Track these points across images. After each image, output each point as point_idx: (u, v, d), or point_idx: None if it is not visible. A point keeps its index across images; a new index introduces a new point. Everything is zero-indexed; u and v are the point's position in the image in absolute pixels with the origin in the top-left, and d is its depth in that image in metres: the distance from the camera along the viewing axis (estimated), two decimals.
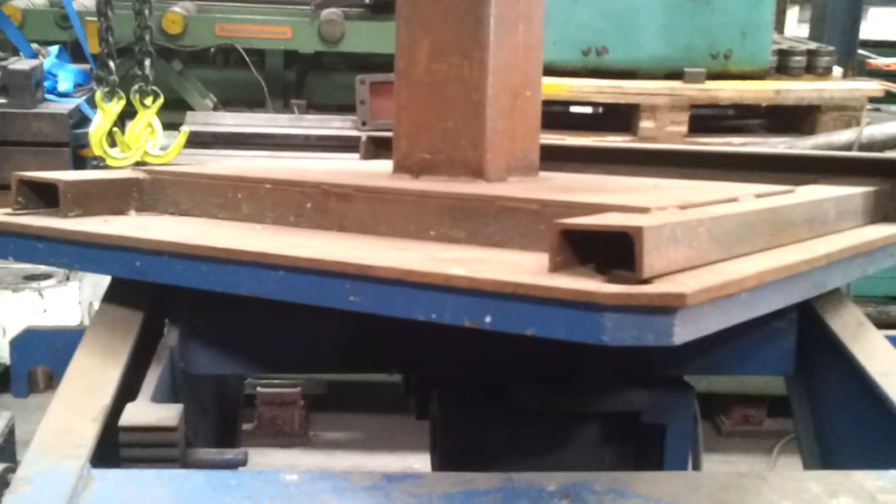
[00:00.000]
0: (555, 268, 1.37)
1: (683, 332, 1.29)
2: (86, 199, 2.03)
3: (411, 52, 2.09)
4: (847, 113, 4.45)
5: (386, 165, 2.27)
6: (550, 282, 1.34)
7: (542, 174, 2.26)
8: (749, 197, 1.81)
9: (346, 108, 5.78)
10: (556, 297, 1.32)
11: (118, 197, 2.09)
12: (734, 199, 1.76)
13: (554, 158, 2.46)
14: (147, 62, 3.76)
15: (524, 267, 1.44)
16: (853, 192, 1.95)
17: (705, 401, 2.93)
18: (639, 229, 1.29)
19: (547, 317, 1.34)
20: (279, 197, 1.94)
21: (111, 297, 1.97)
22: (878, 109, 5.10)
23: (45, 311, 4.63)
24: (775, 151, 2.51)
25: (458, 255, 1.60)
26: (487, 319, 1.39)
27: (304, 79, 6.92)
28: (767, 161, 2.36)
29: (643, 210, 1.54)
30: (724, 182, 2.17)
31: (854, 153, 2.83)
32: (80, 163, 4.94)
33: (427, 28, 2.07)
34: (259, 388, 4.61)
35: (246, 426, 4.50)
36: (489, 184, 2.02)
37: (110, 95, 3.69)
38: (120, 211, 2.09)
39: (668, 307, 1.27)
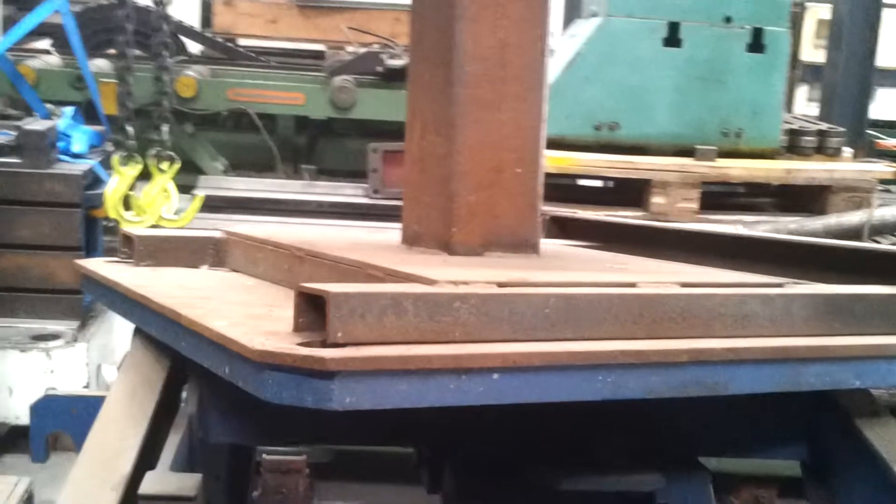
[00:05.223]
0: (297, 328, 1.41)
1: (348, 398, 1.31)
2: (159, 252, 2.28)
3: (411, 129, 2.18)
4: (858, 194, 4.48)
5: None
6: (239, 338, 1.41)
7: (550, 249, 2.28)
8: (666, 285, 1.72)
9: (356, 174, 5.81)
10: (236, 350, 1.41)
11: (193, 252, 2.31)
12: (631, 285, 1.70)
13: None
14: (165, 127, 3.80)
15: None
16: (851, 293, 1.79)
17: (715, 480, 2.88)
18: (326, 293, 1.34)
19: (243, 371, 1.41)
20: (275, 258, 2.11)
21: (132, 363, 1.98)
22: (888, 191, 5.13)
23: (51, 371, 4.61)
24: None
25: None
26: (226, 370, 1.48)
27: (314, 144, 6.97)
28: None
29: (429, 282, 1.57)
30: (720, 270, 2.12)
31: None
32: (91, 224, 4.95)
33: (420, 107, 2.16)
34: (264, 455, 4.57)
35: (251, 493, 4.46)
36: (449, 257, 2.07)
37: (127, 160, 3.73)
38: (193, 265, 2.30)
39: (325, 371, 1.29)
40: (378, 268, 1.77)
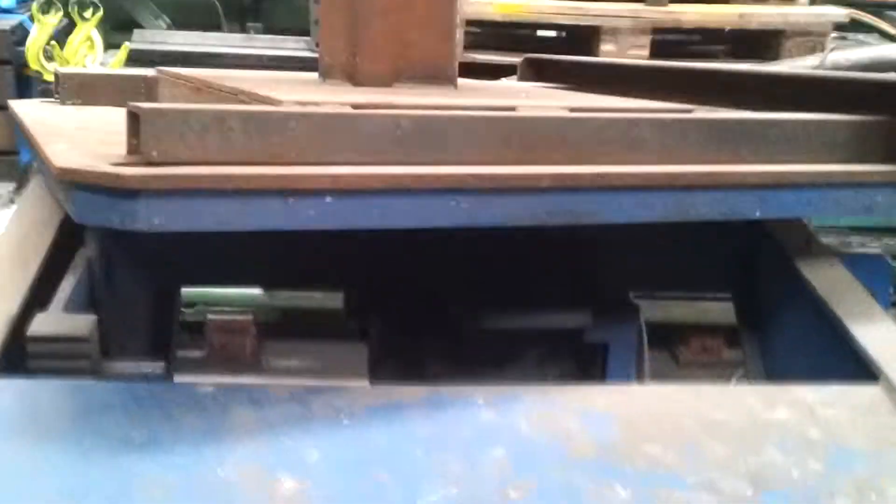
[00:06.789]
0: (130, 150, 1.31)
1: (156, 218, 1.22)
2: (85, 90, 2.26)
3: None
4: (812, 38, 4.38)
5: None
6: (54, 157, 1.34)
7: (475, 84, 2.21)
8: (547, 109, 1.58)
9: (305, 32, 5.65)
10: (50, 170, 1.34)
11: (122, 92, 2.24)
12: (509, 109, 1.57)
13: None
14: None
15: None
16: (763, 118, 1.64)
17: (662, 330, 2.87)
18: (139, 110, 1.27)
19: (64, 192, 1.32)
20: (187, 93, 2.07)
21: (28, 202, 1.90)
22: (843, 38, 5.02)
23: None
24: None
25: None
26: (61, 196, 1.40)
27: (261, 1, 6.78)
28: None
29: (274, 102, 1.50)
30: (645, 101, 2.00)
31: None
32: (23, 81, 4.78)
33: None
34: (210, 315, 4.52)
35: (197, 354, 4.42)
36: (351, 87, 2.00)
37: (47, 7, 3.56)
38: (123, 104, 2.21)
39: (129, 190, 1.21)
40: (247, 93, 1.69)
